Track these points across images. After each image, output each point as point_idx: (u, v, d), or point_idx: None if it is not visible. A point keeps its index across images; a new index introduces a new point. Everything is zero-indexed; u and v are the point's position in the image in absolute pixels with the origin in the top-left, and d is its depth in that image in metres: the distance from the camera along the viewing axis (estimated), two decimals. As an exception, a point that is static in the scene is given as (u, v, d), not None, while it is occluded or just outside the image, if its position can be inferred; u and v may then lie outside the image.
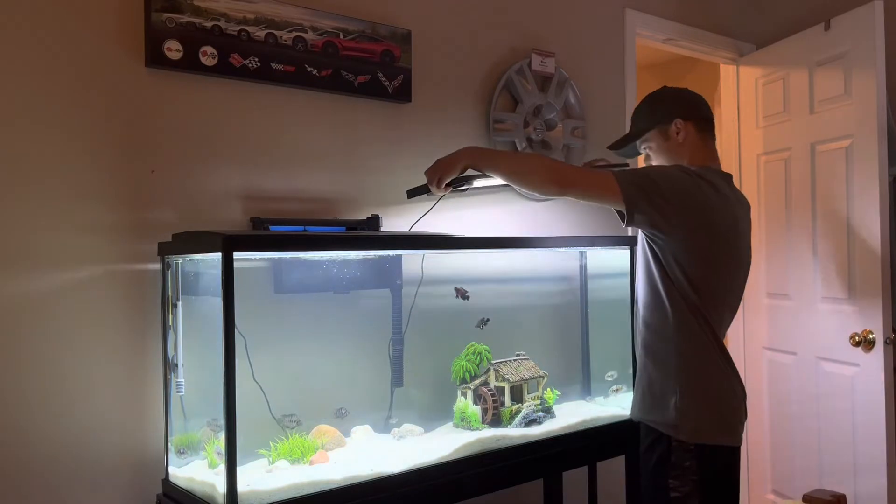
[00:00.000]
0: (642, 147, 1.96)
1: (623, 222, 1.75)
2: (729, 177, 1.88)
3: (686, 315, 1.76)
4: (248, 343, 1.69)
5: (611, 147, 2.01)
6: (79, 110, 1.72)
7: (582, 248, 2.42)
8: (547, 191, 1.77)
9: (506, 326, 2.32)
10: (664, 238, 1.75)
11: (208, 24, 1.84)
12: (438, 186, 1.88)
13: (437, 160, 1.90)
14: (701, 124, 1.88)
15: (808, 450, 2.98)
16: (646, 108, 1.94)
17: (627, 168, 1.87)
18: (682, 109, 1.88)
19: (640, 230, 1.81)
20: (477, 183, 1.93)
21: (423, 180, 1.94)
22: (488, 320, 2.08)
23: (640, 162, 2.06)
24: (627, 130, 2.02)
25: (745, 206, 1.90)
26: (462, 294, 2.07)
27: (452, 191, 1.93)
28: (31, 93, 1.66)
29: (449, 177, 1.86)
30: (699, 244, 1.74)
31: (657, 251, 1.78)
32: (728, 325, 1.87)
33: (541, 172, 1.75)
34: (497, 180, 1.85)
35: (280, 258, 1.88)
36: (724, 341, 1.84)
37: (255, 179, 1.97)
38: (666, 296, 1.77)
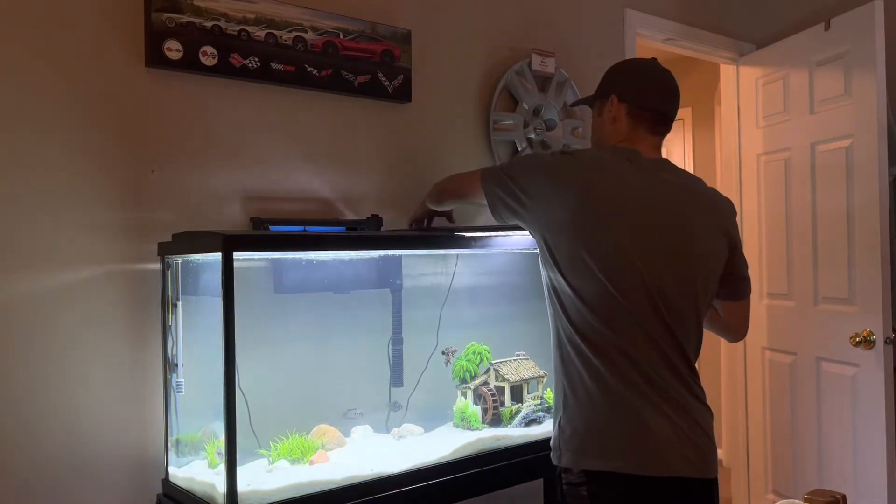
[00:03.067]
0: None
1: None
2: (634, 153, 1.60)
3: (560, 327, 1.54)
4: (247, 343, 1.69)
5: (572, 104, 2.01)
6: (79, 110, 1.72)
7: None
8: (440, 205, 1.94)
9: (506, 326, 2.32)
10: (529, 227, 1.60)
11: (208, 24, 1.84)
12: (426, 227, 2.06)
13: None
14: (636, 111, 1.63)
15: (808, 450, 2.98)
16: (603, 77, 1.76)
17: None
18: (622, 87, 1.66)
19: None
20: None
21: (422, 179, 1.95)
22: (455, 351, 2.08)
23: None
24: None
25: (670, 185, 1.58)
26: (450, 354, 2.10)
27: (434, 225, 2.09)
28: (31, 92, 1.66)
29: (422, 221, 2.05)
30: (566, 229, 1.50)
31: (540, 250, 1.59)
32: (661, 338, 1.49)
33: (433, 192, 1.91)
34: (477, 199, 1.73)
35: (280, 258, 1.88)
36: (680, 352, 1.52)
37: (255, 179, 1.97)
38: (548, 304, 1.59)
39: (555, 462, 1.56)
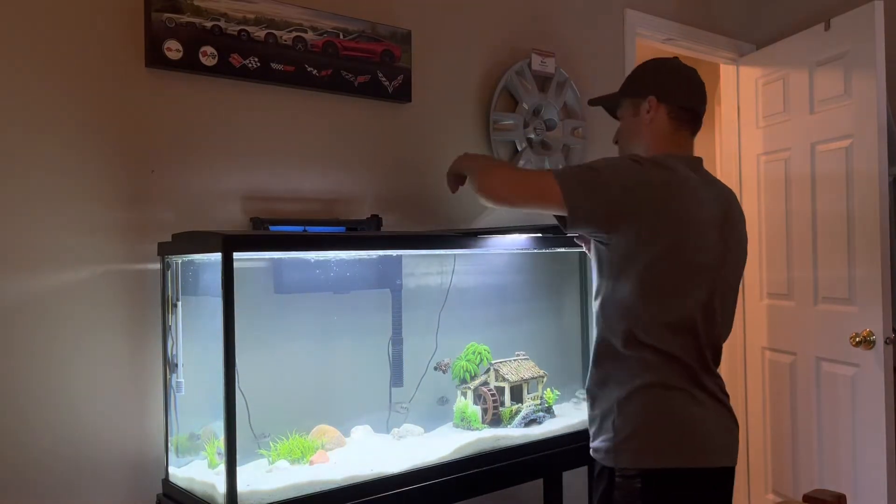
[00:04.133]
0: (618, 114, 1.79)
1: (564, 229, 1.59)
2: (697, 161, 1.68)
3: (617, 333, 1.57)
4: (247, 343, 1.69)
5: (590, 102, 1.86)
6: (79, 110, 1.72)
7: (583, 249, 2.42)
8: (493, 197, 1.63)
9: (506, 326, 2.32)
10: (612, 241, 1.55)
11: (208, 24, 1.84)
12: (453, 191, 1.85)
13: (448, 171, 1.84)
14: (676, 112, 1.66)
15: (808, 450, 2.98)
16: (632, 74, 1.77)
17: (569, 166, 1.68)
18: (661, 88, 1.66)
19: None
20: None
21: (422, 180, 1.94)
22: (448, 364, 2.08)
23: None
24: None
25: (720, 190, 1.67)
26: (443, 369, 2.09)
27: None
28: (31, 93, 1.66)
29: (455, 184, 1.82)
30: (656, 243, 1.52)
31: (605, 257, 1.59)
32: (708, 328, 1.58)
33: (486, 190, 1.63)
34: (552, 211, 1.62)
35: (280, 258, 1.88)
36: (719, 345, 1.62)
37: (255, 179, 1.97)
38: (601, 309, 1.61)
39: (609, 464, 1.58)
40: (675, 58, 1.76)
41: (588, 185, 1.53)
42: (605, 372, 1.60)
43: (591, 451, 1.63)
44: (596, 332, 1.64)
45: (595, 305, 1.64)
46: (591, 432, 1.64)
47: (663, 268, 1.53)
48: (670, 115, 1.66)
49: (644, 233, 1.51)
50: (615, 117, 1.80)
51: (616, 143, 1.80)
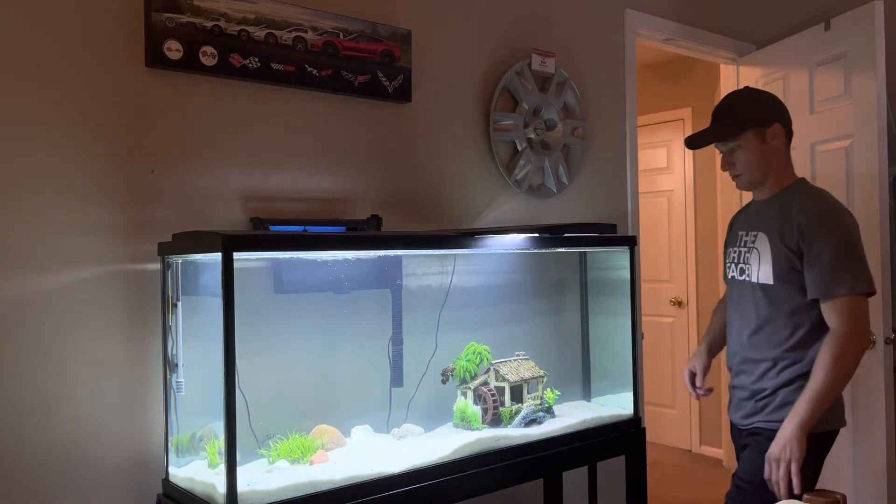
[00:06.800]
0: (725, 145, 1.90)
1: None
2: None
3: (809, 325, 1.82)
4: (247, 343, 1.69)
5: (691, 144, 1.94)
6: (79, 110, 1.72)
7: (582, 249, 2.42)
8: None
9: (506, 326, 2.32)
10: None
11: (208, 24, 1.84)
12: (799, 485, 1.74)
13: (769, 457, 1.76)
14: (789, 135, 1.91)
15: (808, 450, 2.98)
16: (743, 106, 1.90)
17: (836, 264, 1.81)
18: (781, 115, 1.89)
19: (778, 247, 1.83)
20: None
21: (422, 180, 1.93)
22: (453, 370, 2.08)
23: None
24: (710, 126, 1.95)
25: None
26: (448, 376, 2.09)
27: None
28: (31, 93, 1.66)
29: (800, 460, 1.74)
30: None
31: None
32: None
33: (852, 368, 1.77)
34: None
35: (280, 258, 1.88)
36: None
37: (255, 179, 1.97)
38: (807, 302, 1.80)
39: (820, 430, 1.77)
40: (750, 87, 2.00)
41: (861, 261, 1.84)
42: None
43: None
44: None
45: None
46: None
47: None
48: (787, 139, 1.90)
49: None
50: (697, 146, 1.94)
51: (728, 171, 1.93)
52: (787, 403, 1.79)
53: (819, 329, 1.81)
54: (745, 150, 1.88)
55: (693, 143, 1.92)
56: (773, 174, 1.90)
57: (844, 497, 1.61)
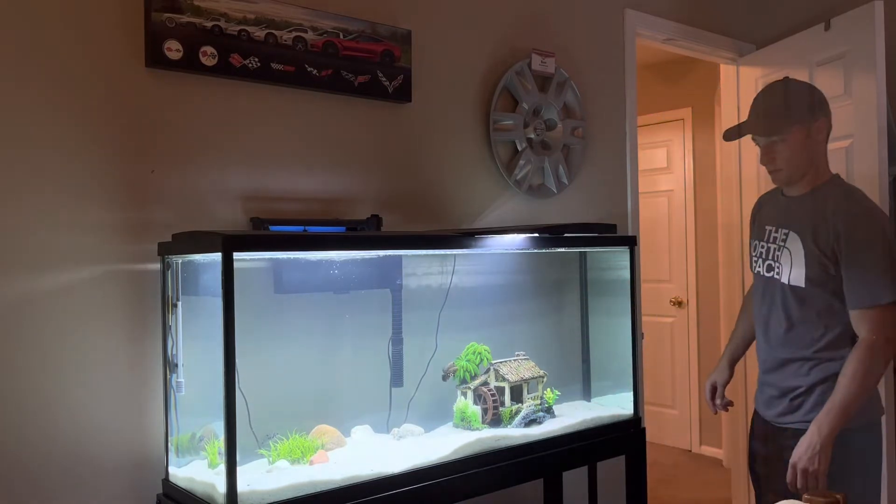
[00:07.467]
0: (767, 139, 1.87)
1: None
2: None
3: (841, 328, 1.81)
4: (247, 343, 1.69)
5: (730, 136, 1.93)
6: (79, 110, 1.72)
7: (582, 249, 2.42)
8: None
9: (506, 326, 2.32)
10: None
11: (208, 24, 1.84)
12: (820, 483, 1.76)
13: (796, 465, 1.76)
14: (830, 129, 1.91)
15: (808, 450, 2.98)
16: (791, 98, 1.87)
17: (871, 263, 1.77)
18: (825, 110, 1.88)
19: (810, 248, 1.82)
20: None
21: (422, 180, 1.93)
22: (455, 370, 2.08)
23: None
24: (746, 119, 1.95)
25: None
26: (449, 375, 2.09)
27: None
28: (31, 93, 1.66)
29: (826, 471, 1.75)
30: None
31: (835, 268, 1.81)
32: None
33: (879, 376, 1.77)
34: None
35: (280, 258, 1.88)
36: None
37: (255, 179, 1.97)
38: (839, 305, 1.80)
39: (873, 419, 1.83)
40: (792, 79, 1.96)
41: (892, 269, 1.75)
42: None
43: None
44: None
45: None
46: None
47: None
48: (828, 133, 1.90)
49: None
50: (737, 137, 1.94)
51: (767, 165, 1.90)
52: (825, 402, 1.78)
53: (851, 328, 1.80)
54: (788, 145, 1.83)
55: (732, 135, 1.90)
56: (812, 170, 1.87)
57: (845, 497, 1.61)
